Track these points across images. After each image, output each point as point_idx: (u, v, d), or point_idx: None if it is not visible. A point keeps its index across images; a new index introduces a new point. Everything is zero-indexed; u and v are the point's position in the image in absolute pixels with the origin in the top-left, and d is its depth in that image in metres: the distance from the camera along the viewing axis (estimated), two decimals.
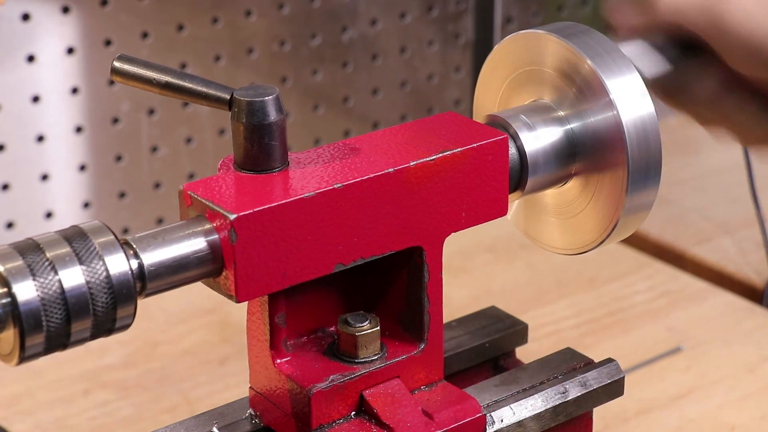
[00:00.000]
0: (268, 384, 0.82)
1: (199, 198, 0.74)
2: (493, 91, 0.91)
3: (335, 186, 0.76)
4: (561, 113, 0.86)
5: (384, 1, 1.76)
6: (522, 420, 0.85)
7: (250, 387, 0.85)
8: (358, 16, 1.75)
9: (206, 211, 0.74)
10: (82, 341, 0.70)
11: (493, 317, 0.96)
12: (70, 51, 1.54)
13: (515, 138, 0.85)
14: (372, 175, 0.77)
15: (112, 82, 1.58)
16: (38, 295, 0.68)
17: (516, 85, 0.89)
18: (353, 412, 0.82)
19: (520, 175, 0.85)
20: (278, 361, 0.81)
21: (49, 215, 1.59)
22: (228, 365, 1.33)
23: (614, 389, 0.89)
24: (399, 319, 0.84)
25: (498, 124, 0.85)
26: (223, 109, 0.77)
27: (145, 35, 1.59)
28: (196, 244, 0.73)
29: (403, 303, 0.83)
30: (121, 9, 1.56)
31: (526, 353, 0.96)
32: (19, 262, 0.68)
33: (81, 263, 0.69)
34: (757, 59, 0.84)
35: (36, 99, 1.54)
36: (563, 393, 0.87)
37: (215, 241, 0.73)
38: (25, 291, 0.67)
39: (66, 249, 0.69)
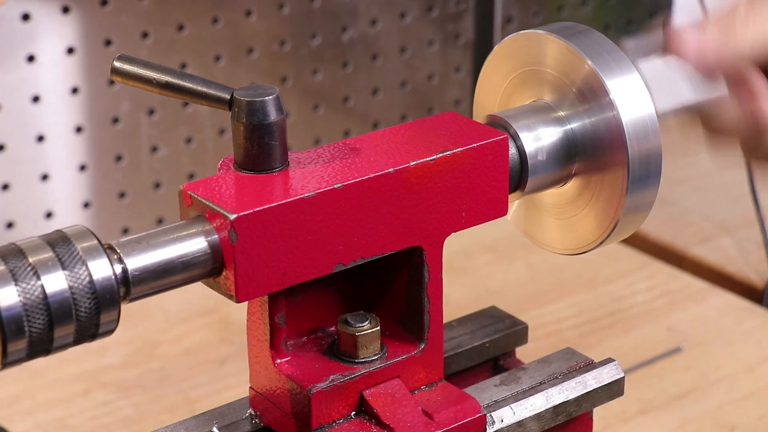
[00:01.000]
0: (268, 384, 0.82)
1: (199, 198, 0.74)
2: (494, 91, 0.91)
3: (335, 186, 0.76)
4: (561, 113, 0.86)
5: (384, 1, 1.76)
6: (522, 420, 0.85)
7: (250, 387, 0.85)
8: (358, 16, 1.75)
9: (206, 211, 0.74)
10: (65, 347, 0.70)
11: (493, 317, 0.96)
12: (70, 51, 1.54)
13: (515, 138, 0.84)
14: (372, 175, 0.77)
15: (112, 82, 1.58)
16: (20, 301, 0.67)
17: (516, 85, 0.89)
18: (353, 412, 0.82)
19: (520, 175, 0.85)
20: (278, 361, 0.81)
21: (49, 215, 1.59)
22: (228, 365, 1.33)
23: (614, 389, 0.89)
24: (399, 319, 0.84)
25: (498, 124, 0.85)
26: (223, 109, 0.77)
27: (145, 35, 1.59)
28: (194, 245, 0.73)
29: (403, 303, 0.83)
30: (121, 9, 1.56)
31: (526, 353, 0.96)
32: (1, 268, 0.67)
33: (64, 268, 0.68)
34: None
35: (36, 99, 1.54)
36: (563, 393, 0.87)
37: (215, 241, 0.73)
38: (7, 296, 0.67)
39: (49, 254, 0.69)
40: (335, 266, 0.77)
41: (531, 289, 1.48)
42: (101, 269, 0.70)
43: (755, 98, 0.87)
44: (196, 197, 0.75)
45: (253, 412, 0.85)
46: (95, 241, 0.70)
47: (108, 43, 1.56)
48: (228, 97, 0.77)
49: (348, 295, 0.85)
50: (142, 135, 1.63)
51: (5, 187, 1.55)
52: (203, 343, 1.37)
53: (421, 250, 0.81)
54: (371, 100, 1.80)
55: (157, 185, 1.65)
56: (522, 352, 0.96)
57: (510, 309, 0.98)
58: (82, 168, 1.59)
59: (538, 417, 0.86)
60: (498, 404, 0.85)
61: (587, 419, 0.90)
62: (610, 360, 0.90)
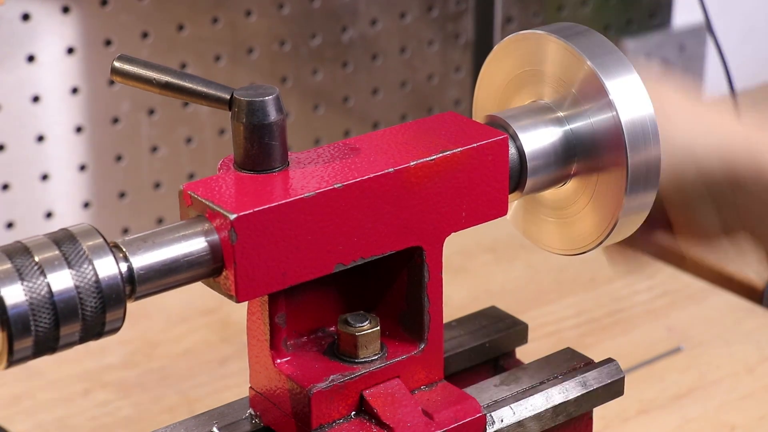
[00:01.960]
0: (268, 384, 0.82)
1: (199, 198, 0.74)
2: (493, 91, 0.91)
3: (335, 186, 0.76)
4: (560, 114, 0.86)
5: (384, 1, 1.76)
6: (522, 420, 0.85)
7: (250, 387, 0.85)
8: (358, 16, 1.75)
9: (206, 211, 0.74)
10: (70, 345, 0.70)
11: (493, 317, 0.96)
12: (70, 51, 1.54)
13: (515, 138, 0.85)
14: (372, 175, 0.77)
15: (112, 82, 1.58)
16: (26, 299, 0.67)
17: (516, 86, 0.89)
18: (353, 412, 0.82)
19: (519, 176, 0.85)
20: (278, 361, 0.81)
21: (49, 215, 1.59)
22: (228, 365, 1.33)
23: (614, 389, 0.89)
24: (399, 319, 0.84)
25: (498, 125, 0.85)
26: (223, 109, 0.77)
27: (145, 35, 1.59)
28: (194, 245, 0.73)
29: (403, 303, 0.83)
30: (121, 9, 1.56)
31: (526, 353, 0.96)
32: (8, 266, 0.68)
33: (70, 267, 0.69)
34: None
35: (36, 99, 1.54)
36: (563, 393, 0.87)
37: (215, 241, 0.73)
38: (14, 295, 0.67)
39: (55, 252, 0.69)
40: (335, 266, 0.77)
41: (531, 289, 1.48)
42: (107, 268, 0.70)
43: None
44: (196, 197, 0.75)
45: (253, 412, 0.85)
46: (101, 240, 0.70)
47: (108, 43, 1.56)
48: (228, 97, 0.77)
49: (348, 295, 0.85)
50: (142, 135, 1.63)
51: (5, 187, 1.55)
52: (203, 343, 1.37)
53: (421, 250, 0.81)
54: (371, 100, 1.80)
55: (157, 185, 1.65)
56: (522, 352, 0.96)
57: (510, 309, 0.98)
58: (82, 168, 1.59)
59: (538, 417, 0.86)
60: (498, 404, 0.85)
61: (587, 419, 0.90)
62: (610, 360, 0.90)
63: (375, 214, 0.78)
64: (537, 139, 0.85)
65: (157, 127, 1.63)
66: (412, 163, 0.78)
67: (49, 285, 0.68)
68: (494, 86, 0.91)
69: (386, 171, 0.78)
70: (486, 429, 0.83)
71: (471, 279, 1.50)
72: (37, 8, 1.51)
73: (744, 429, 1.23)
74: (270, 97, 0.76)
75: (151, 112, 1.62)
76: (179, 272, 0.73)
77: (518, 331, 0.96)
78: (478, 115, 0.92)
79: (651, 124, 0.84)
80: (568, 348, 0.92)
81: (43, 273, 0.68)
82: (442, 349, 0.84)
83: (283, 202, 0.74)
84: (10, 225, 1.56)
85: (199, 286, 0.77)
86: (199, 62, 1.64)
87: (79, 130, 1.58)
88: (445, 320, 0.88)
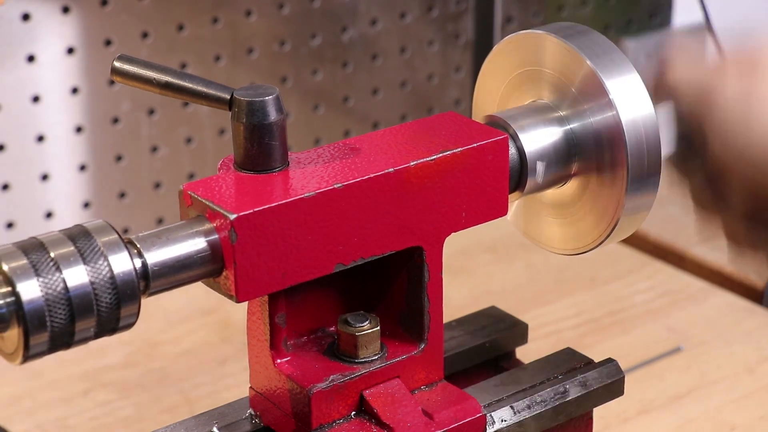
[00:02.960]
0: (268, 384, 0.82)
1: (199, 198, 0.74)
2: (493, 91, 0.91)
3: (335, 186, 0.76)
4: (561, 113, 0.86)
5: (384, 1, 1.76)
6: (522, 420, 0.85)
7: (250, 387, 0.85)
8: (358, 16, 1.75)
9: (206, 211, 0.74)
10: (85, 340, 0.70)
11: (493, 317, 0.96)
12: (70, 51, 1.54)
13: (515, 138, 0.84)
14: (372, 175, 0.77)
15: (112, 82, 1.58)
16: (42, 294, 0.68)
17: (516, 86, 0.89)
18: (353, 412, 0.82)
19: (519, 176, 0.85)
20: (278, 361, 0.81)
21: (49, 215, 1.59)
22: (228, 365, 1.33)
23: (614, 389, 0.89)
24: (399, 319, 0.84)
25: (498, 124, 0.85)
26: (223, 109, 0.77)
27: (145, 35, 1.59)
28: (197, 244, 0.73)
29: (403, 303, 0.83)
30: (121, 9, 1.56)
31: (526, 353, 0.96)
32: (23, 261, 0.68)
33: (85, 262, 0.69)
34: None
35: (36, 99, 1.54)
36: (563, 393, 0.87)
37: (215, 241, 0.73)
38: (29, 290, 0.67)
39: (70, 248, 0.69)
40: (335, 266, 0.77)
41: (531, 289, 1.48)
42: (122, 263, 0.70)
43: None
44: (196, 197, 0.75)
45: (253, 412, 0.85)
46: (115, 236, 0.71)
47: (108, 43, 1.56)
48: (228, 97, 0.77)
49: (348, 295, 0.85)
50: (142, 135, 1.63)
51: (5, 187, 1.55)
52: (203, 343, 1.37)
53: (421, 250, 0.81)
54: (371, 100, 1.80)
55: (157, 185, 1.65)
56: (522, 352, 0.96)
57: (510, 309, 0.98)
58: (82, 168, 1.59)
59: (538, 417, 0.86)
60: (498, 404, 0.85)
61: (587, 419, 0.90)
62: (610, 360, 0.90)
63: (375, 214, 0.78)
64: (537, 138, 0.85)
65: (157, 127, 1.63)
66: (412, 163, 0.78)
67: (64, 280, 0.68)
68: (494, 86, 0.91)
69: (386, 171, 0.78)
70: (486, 429, 0.83)
71: (471, 279, 1.50)
72: (37, 8, 1.51)
73: (744, 429, 1.23)
74: (270, 97, 0.76)
75: (151, 112, 1.62)
76: (191, 269, 0.73)
77: (518, 331, 0.96)
78: (478, 115, 0.92)
79: (651, 124, 0.84)
80: (568, 348, 0.92)
81: (58, 268, 0.68)
82: (442, 349, 0.84)
83: (283, 202, 0.74)
84: (10, 225, 1.56)
85: (199, 286, 0.77)
86: (199, 62, 1.64)
87: (79, 130, 1.58)
88: (445, 320, 0.88)
